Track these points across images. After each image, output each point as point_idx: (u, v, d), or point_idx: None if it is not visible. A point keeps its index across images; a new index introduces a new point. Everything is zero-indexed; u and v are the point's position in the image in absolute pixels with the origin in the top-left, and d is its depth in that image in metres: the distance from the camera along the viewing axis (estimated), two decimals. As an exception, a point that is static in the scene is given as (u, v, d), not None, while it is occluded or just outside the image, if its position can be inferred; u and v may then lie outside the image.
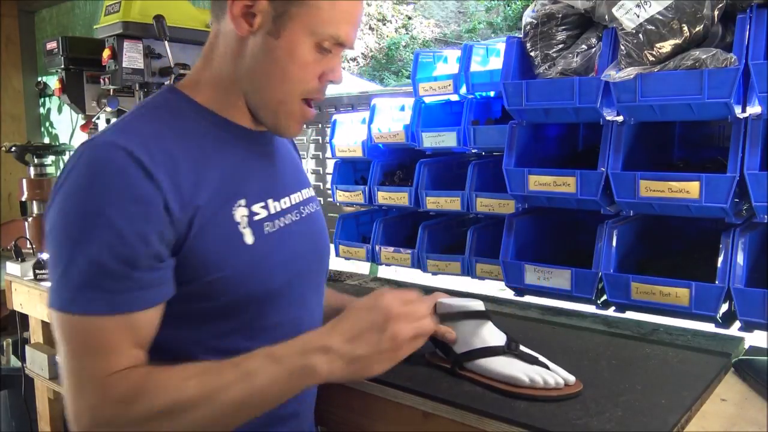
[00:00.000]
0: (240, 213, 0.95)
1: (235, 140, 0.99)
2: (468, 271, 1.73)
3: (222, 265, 0.91)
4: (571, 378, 1.05)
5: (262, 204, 0.99)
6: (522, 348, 1.10)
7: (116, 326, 0.84)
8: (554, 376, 1.04)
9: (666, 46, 1.26)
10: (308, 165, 2.49)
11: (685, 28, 1.24)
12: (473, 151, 1.76)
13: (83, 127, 2.68)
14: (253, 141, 1.02)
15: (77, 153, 0.87)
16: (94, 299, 0.82)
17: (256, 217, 0.97)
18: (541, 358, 1.09)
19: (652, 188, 1.30)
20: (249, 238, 0.94)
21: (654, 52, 1.27)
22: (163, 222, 0.85)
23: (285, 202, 1.04)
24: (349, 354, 0.85)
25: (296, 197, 1.08)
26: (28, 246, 2.40)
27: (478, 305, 1.15)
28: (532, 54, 1.49)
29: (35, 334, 2.37)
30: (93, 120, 2.63)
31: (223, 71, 0.97)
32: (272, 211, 1.00)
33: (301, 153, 2.49)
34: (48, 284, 0.95)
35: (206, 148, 0.94)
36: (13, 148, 2.75)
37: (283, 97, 0.96)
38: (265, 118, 0.99)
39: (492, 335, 1.12)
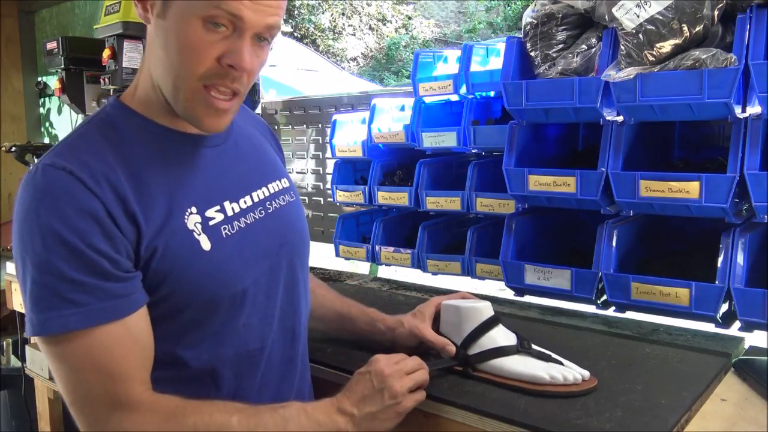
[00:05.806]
0: (193, 220, 0.93)
1: (180, 148, 0.97)
2: (468, 271, 1.73)
3: (182, 275, 0.91)
4: (586, 373, 1.05)
5: (217, 208, 0.97)
6: (534, 346, 1.11)
7: (112, 337, 0.85)
8: (572, 372, 1.05)
9: (666, 46, 1.26)
10: (308, 165, 2.49)
11: (685, 28, 1.24)
12: (473, 151, 1.76)
13: (83, 127, 2.67)
14: (200, 145, 0.99)
15: (24, 181, 0.87)
16: (69, 315, 0.83)
17: (212, 222, 0.95)
18: (554, 356, 1.09)
19: (652, 188, 1.30)
20: (206, 245, 0.93)
21: (654, 52, 1.27)
22: (114, 234, 0.86)
23: (245, 201, 1.02)
24: (359, 414, 0.96)
25: (260, 193, 1.05)
26: (28, 246, 2.40)
27: (485, 306, 1.16)
28: (532, 54, 1.49)
29: (35, 334, 2.36)
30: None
31: (146, 68, 0.95)
32: (229, 214, 0.98)
33: (300, 153, 2.50)
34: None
35: (150, 160, 0.93)
36: (13, 148, 2.75)
37: (179, 83, 0.89)
38: (175, 109, 0.93)
39: (503, 336, 1.13)
